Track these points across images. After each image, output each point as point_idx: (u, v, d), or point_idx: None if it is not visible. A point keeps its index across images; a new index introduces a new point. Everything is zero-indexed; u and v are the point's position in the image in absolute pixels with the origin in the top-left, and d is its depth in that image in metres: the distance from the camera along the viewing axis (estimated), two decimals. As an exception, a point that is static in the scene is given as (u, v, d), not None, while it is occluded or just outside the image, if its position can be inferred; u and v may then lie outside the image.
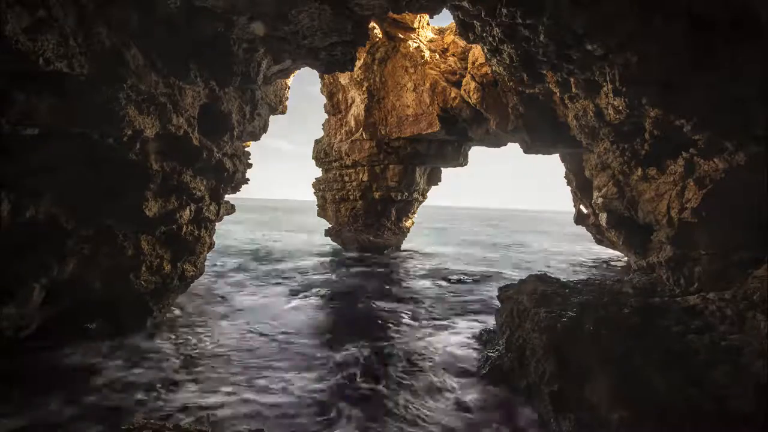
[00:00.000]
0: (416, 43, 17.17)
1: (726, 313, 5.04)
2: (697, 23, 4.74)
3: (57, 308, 6.70)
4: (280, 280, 13.91)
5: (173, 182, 7.55)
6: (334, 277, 14.88)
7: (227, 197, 10.05)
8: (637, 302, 5.95)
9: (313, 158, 22.23)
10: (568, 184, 17.24)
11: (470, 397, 5.77)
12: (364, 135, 19.11)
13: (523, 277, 7.84)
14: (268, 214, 66.13)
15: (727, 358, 4.34)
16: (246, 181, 10.20)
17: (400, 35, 17.31)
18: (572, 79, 7.12)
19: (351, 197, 20.64)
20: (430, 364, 6.91)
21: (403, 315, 9.86)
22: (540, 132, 12.26)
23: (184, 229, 8.27)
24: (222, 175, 8.92)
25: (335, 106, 21.17)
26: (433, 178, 22.06)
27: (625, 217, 10.13)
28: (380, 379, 6.26)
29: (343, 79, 19.48)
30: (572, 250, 27.18)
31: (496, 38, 6.70)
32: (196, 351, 7.10)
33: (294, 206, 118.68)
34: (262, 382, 6.12)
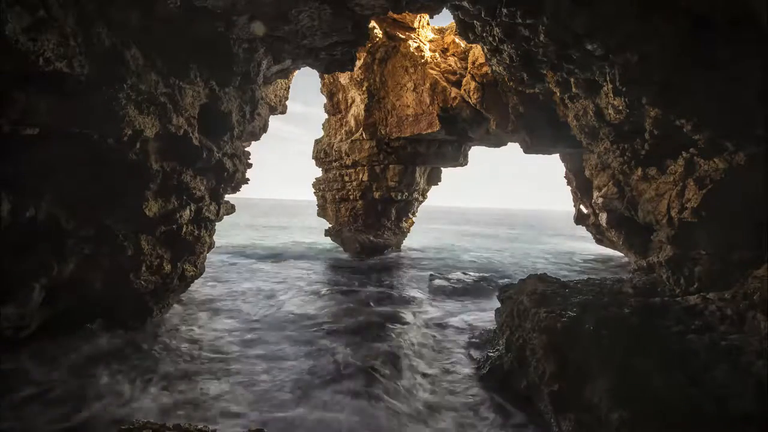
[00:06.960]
0: (416, 42, 17.15)
1: (726, 313, 5.04)
2: (697, 23, 4.74)
3: (57, 308, 6.69)
4: (278, 278, 13.91)
5: (173, 182, 7.54)
6: (333, 277, 14.86)
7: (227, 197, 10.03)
8: (637, 302, 5.95)
9: (313, 158, 22.22)
10: (568, 184, 17.24)
11: (470, 396, 5.77)
12: (364, 135, 19.10)
13: (523, 277, 7.84)
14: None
15: (727, 358, 4.34)
16: (246, 180, 10.18)
17: (400, 35, 17.29)
18: (572, 79, 7.12)
19: (351, 197, 20.63)
20: (429, 363, 6.91)
21: (402, 314, 9.84)
22: (540, 132, 12.26)
23: (184, 229, 8.26)
24: (222, 175, 8.91)
25: (335, 106, 21.16)
26: (433, 178, 22.05)
27: (625, 217, 10.13)
28: (378, 376, 6.25)
29: (343, 79, 19.47)
30: (572, 248, 27.18)
31: (496, 38, 6.71)
32: (198, 346, 7.11)
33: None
34: (259, 374, 6.16)
